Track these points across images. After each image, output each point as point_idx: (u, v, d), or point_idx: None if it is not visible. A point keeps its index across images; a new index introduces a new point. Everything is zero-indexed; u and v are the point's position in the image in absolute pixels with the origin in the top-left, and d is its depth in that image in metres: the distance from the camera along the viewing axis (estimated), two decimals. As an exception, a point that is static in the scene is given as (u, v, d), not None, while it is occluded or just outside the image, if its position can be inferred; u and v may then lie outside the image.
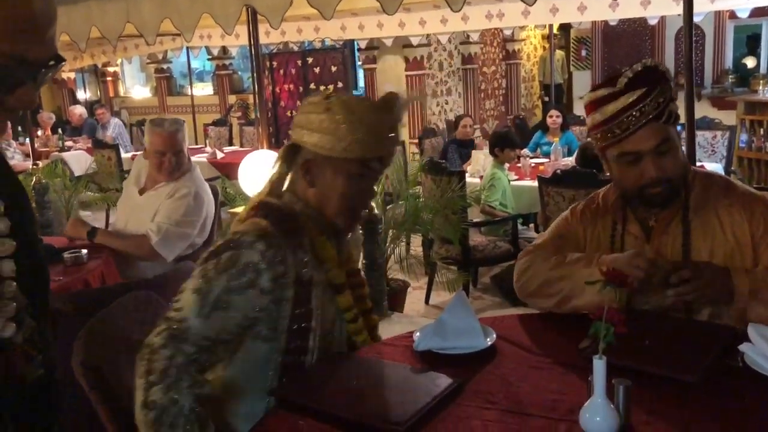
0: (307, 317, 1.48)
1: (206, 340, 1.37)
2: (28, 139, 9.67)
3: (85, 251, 2.88)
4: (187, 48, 10.26)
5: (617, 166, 1.75)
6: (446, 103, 9.96)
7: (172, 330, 1.35)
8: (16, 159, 8.34)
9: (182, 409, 1.31)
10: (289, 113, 9.65)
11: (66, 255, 2.83)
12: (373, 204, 3.78)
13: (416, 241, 5.52)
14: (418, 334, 1.60)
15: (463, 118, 6.97)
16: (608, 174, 1.85)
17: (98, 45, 10.31)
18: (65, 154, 8.62)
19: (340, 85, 9.20)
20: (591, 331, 1.28)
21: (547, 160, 5.99)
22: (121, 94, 13.59)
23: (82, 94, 12.88)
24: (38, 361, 1.05)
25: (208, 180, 5.73)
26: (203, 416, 1.34)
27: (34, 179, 5.63)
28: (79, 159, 8.45)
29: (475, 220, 4.77)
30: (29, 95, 0.88)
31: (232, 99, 11.46)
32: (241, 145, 8.60)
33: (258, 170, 4.16)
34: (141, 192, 3.11)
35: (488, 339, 1.59)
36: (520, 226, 4.87)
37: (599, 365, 1.25)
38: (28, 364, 1.02)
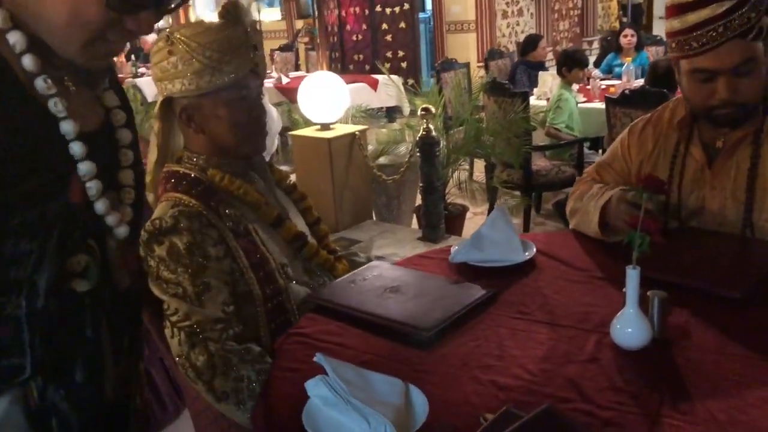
0: (264, 261, 1.47)
1: (218, 321, 1.35)
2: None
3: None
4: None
5: (688, 80, 1.61)
6: (517, 24, 9.60)
7: (185, 330, 1.33)
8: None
9: (250, 378, 1.29)
10: (355, 37, 9.53)
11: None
12: (431, 126, 3.74)
13: (479, 166, 5.45)
14: (455, 247, 1.60)
15: (540, 39, 6.76)
16: (679, 89, 1.72)
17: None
18: (138, 80, 8.83)
19: (406, 6, 8.98)
20: (626, 240, 1.25)
21: (618, 81, 5.73)
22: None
23: (154, 22, 13.04)
24: (128, 272, 1.10)
25: (275, 104, 5.81)
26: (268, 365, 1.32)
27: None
28: (151, 85, 8.64)
29: (539, 144, 4.66)
30: (149, 21, 0.89)
31: (299, 24, 11.40)
32: (307, 70, 8.59)
33: (316, 92, 4.17)
34: None
35: (527, 253, 1.57)
36: (586, 150, 4.73)
37: (633, 275, 1.22)
38: (119, 272, 1.07)
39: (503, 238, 1.55)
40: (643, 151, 1.79)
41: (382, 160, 4.50)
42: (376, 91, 7.09)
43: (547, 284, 1.49)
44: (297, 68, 8.68)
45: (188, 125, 1.50)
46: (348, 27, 9.58)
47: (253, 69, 1.45)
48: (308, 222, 1.66)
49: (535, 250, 1.59)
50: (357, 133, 4.19)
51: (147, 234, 1.37)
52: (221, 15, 1.44)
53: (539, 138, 4.76)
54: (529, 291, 1.47)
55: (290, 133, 4.56)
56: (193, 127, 1.49)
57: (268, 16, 12.52)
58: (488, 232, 1.57)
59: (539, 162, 4.63)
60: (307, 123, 4.48)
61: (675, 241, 1.56)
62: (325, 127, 4.26)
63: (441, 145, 3.90)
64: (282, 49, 9.07)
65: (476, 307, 1.38)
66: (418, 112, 3.75)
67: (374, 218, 4.45)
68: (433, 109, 3.76)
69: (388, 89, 6.48)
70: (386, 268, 1.57)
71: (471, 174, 5.36)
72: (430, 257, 1.65)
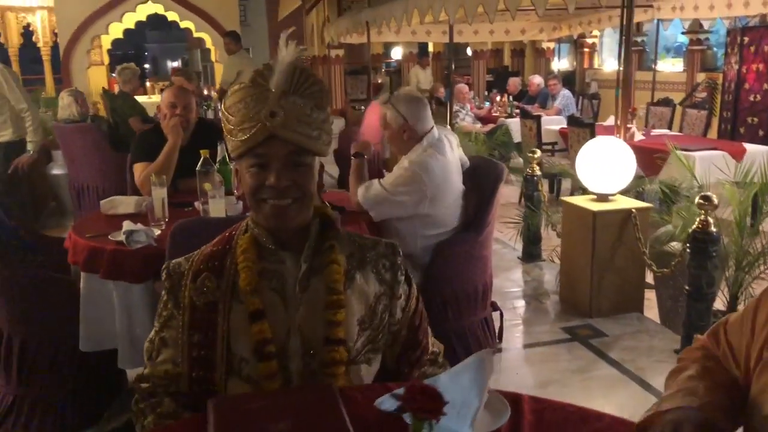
0: (206, 344, 1.35)
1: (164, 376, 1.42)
2: (487, 104, 10.59)
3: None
4: (658, 20, 9.60)
5: None
6: None
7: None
8: (466, 121, 9.12)
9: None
10: (752, 98, 8.22)
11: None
12: (710, 218, 3.01)
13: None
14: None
15: None
16: None
17: (576, 16, 10.47)
18: (509, 120, 9.07)
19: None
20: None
21: None
22: (596, 65, 13.52)
23: (556, 64, 13.26)
24: None
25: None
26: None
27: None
28: (518, 126, 8.77)
29: None
30: None
31: (701, 77, 10.33)
32: (680, 129, 7.71)
33: (599, 158, 3.72)
34: None
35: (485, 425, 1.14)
36: None
37: None
38: None
39: (459, 398, 1.15)
40: None
41: (675, 245, 3.79)
42: (740, 161, 6.00)
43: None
44: (670, 125, 7.85)
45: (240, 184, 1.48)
46: (746, 85, 8.32)
47: (273, 136, 1.33)
48: (327, 336, 1.38)
49: (504, 420, 1.15)
50: (634, 210, 3.62)
51: None
52: (251, 79, 1.37)
53: None
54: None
55: (562, 198, 4.17)
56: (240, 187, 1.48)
57: (671, 67, 11.64)
58: (448, 383, 1.19)
59: None
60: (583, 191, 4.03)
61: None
62: (603, 198, 3.79)
63: (722, 243, 3.12)
64: (659, 103, 8.30)
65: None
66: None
67: (644, 313, 3.78)
68: (715, 199, 3.02)
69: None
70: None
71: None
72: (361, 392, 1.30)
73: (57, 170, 6.40)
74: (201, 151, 2.89)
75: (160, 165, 3.16)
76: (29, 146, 5.14)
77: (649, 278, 3.87)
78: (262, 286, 1.38)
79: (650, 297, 3.89)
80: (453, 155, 3.08)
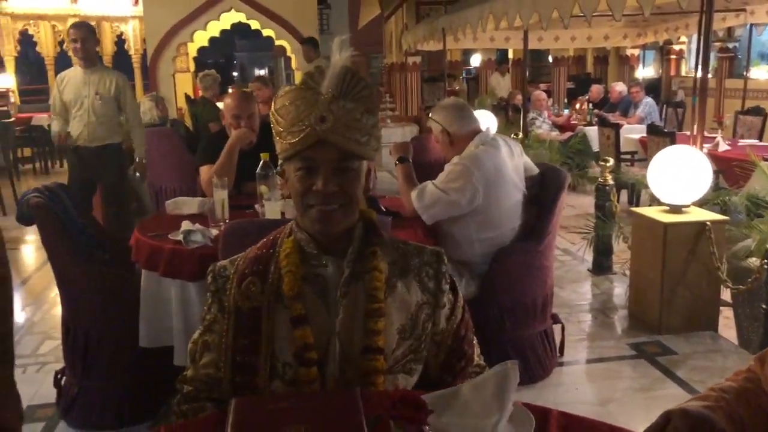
0: (251, 348, 1.35)
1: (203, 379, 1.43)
2: (566, 111, 10.35)
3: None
4: (751, 25, 9.16)
5: None
6: None
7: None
8: (543, 128, 8.94)
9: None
10: None
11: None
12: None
13: None
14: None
15: None
16: None
17: (662, 22, 10.10)
18: (588, 128, 8.82)
19: None
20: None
21: None
22: (683, 72, 12.99)
23: (641, 71, 12.83)
24: None
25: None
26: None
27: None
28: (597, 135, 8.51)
29: None
30: None
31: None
32: (772, 139, 7.29)
33: (672, 167, 3.56)
34: None
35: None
36: None
37: None
38: None
39: (480, 409, 1.11)
40: None
41: (753, 260, 3.58)
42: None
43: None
44: (760, 136, 7.43)
45: (286, 184, 1.48)
46: None
47: (322, 140, 1.33)
48: (366, 345, 1.36)
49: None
50: (708, 223, 3.45)
51: None
52: (302, 81, 1.38)
53: None
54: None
55: (632, 208, 4.01)
56: (287, 186, 1.49)
57: (764, 75, 11.04)
58: (469, 393, 1.15)
59: None
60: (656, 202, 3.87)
61: None
62: (676, 209, 3.62)
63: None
64: (749, 112, 7.87)
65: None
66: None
67: (719, 332, 3.59)
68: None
69: None
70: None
71: None
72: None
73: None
74: (261, 155, 2.94)
75: (221, 166, 3.22)
76: (138, 153, 5.23)
77: (728, 296, 3.67)
78: (305, 290, 1.37)
79: (729, 316, 3.68)
80: (513, 161, 3.03)
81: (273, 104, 1.39)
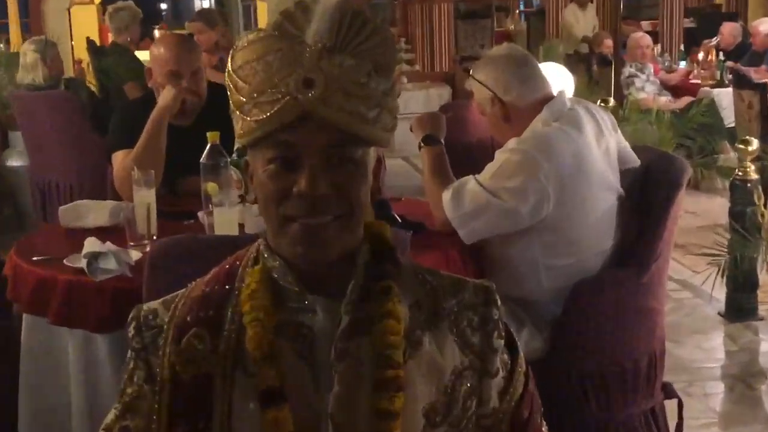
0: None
1: None
2: (683, 64, 10.36)
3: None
4: None
5: None
6: None
7: None
8: (646, 90, 8.93)
9: None
10: None
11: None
12: None
13: None
14: None
15: None
16: None
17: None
18: (717, 91, 8.81)
19: None
20: None
21: None
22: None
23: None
24: None
25: None
26: None
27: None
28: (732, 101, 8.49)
29: None
30: None
31: None
32: None
33: None
34: None
35: None
36: None
37: None
38: None
39: None
40: None
41: None
42: None
43: None
44: None
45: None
46: None
47: (307, 115, 1.32)
48: None
49: None
50: None
51: None
52: (276, 24, 1.36)
53: None
54: None
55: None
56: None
57: None
58: None
59: None
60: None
61: None
62: None
63: None
64: None
65: None
66: None
67: None
68: None
69: None
70: None
71: None
72: None
73: (15, 161, 6.71)
74: (209, 134, 2.95)
75: (144, 149, 3.26)
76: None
77: None
78: (281, 349, 1.38)
79: None
80: (603, 144, 3.03)
81: (230, 60, 1.40)
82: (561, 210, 2.88)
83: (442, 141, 3.14)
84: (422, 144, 3.14)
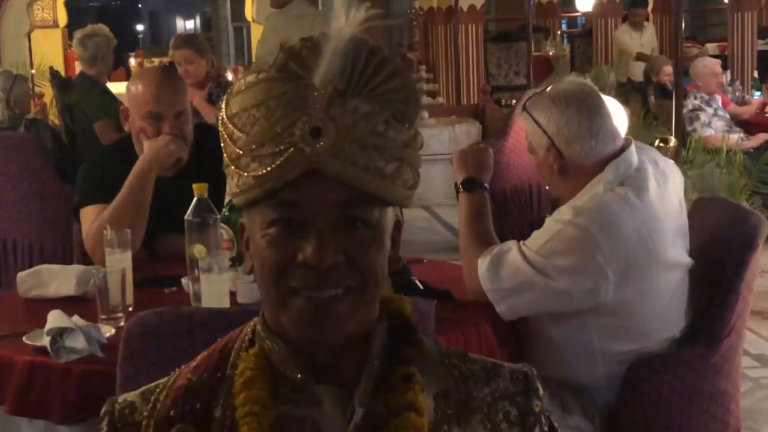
0: None
1: None
2: (758, 94, 10.32)
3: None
4: None
5: None
6: None
7: None
8: (714, 126, 8.89)
9: None
10: None
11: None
12: None
13: None
14: None
15: None
16: None
17: None
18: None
19: None
20: None
21: None
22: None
23: None
24: None
25: None
26: None
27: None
28: None
29: None
30: None
31: None
32: None
33: None
34: None
35: None
36: None
37: None
38: None
39: None
40: None
41: None
42: None
43: None
44: None
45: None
46: None
47: (315, 171, 1.33)
48: None
49: None
50: None
51: None
52: (279, 64, 1.37)
53: None
54: None
55: None
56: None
57: None
58: None
59: None
60: None
61: None
62: None
63: None
64: None
65: None
66: None
67: None
68: None
69: None
70: None
71: None
72: None
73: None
74: (195, 186, 2.96)
75: (122, 206, 3.27)
76: None
77: None
78: None
79: None
80: (672, 205, 3.02)
81: (224, 106, 1.41)
82: (622, 294, 2.86)
83: (487, 186, 3.11)
84: (462, 188, 3.11)
